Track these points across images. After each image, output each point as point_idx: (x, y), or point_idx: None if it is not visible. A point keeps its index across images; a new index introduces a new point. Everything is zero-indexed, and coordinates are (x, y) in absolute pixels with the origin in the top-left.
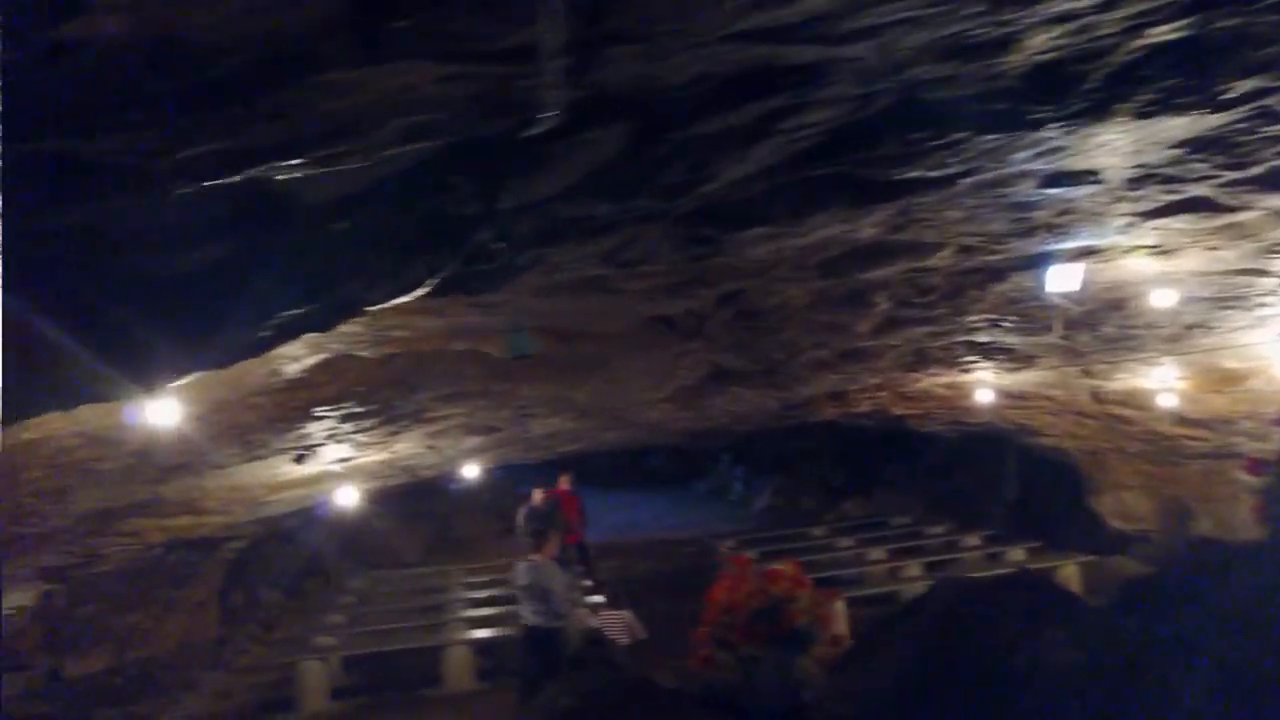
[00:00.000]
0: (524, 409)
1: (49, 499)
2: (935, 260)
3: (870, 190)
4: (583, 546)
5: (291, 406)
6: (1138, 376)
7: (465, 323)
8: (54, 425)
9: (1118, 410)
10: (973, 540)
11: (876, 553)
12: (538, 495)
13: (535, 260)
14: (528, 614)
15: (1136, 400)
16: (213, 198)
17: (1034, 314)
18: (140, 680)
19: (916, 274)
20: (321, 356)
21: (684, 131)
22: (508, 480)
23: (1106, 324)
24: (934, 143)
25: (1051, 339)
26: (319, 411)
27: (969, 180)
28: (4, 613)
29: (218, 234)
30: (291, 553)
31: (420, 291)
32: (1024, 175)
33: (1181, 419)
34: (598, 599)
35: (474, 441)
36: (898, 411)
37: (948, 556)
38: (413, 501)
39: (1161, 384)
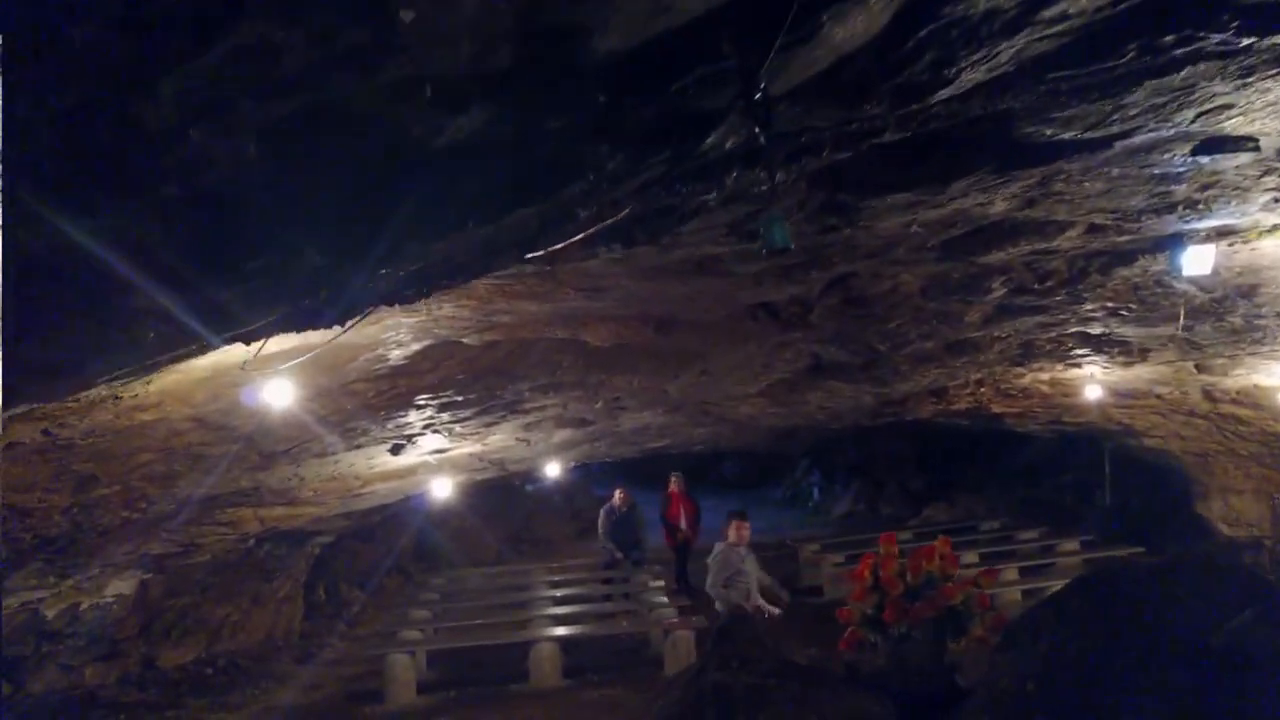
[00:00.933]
0: (617, 401)
1: (158, 483)
2: (1060, 241)
3: (1021, 153)
4: (686, 548)
5: (392, 395)
6: (1257, 372)
7: (569, 308)
8: (168, 407)
9: (1231, 409)
10: (1069, 545)
11: (969, 557)
12: (618, 496)
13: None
14: (719, 596)
15: (1253, 398)
16: None
17: (1156, 302)
18: (229, 671)
19: (1038, 257)
20: (425, 343)
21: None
22: (584, 483)
23: (1233, 313)
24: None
25: (1171, 330)
26: (419, 400)
27: (1123, 144)
28: (105, 600)
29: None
30: (372, 551)
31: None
32: (1181, 138)
33: None
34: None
35: (565, 435)
36: (996, 409)
37: (1043, 561)
38: (491, 503)
39: None
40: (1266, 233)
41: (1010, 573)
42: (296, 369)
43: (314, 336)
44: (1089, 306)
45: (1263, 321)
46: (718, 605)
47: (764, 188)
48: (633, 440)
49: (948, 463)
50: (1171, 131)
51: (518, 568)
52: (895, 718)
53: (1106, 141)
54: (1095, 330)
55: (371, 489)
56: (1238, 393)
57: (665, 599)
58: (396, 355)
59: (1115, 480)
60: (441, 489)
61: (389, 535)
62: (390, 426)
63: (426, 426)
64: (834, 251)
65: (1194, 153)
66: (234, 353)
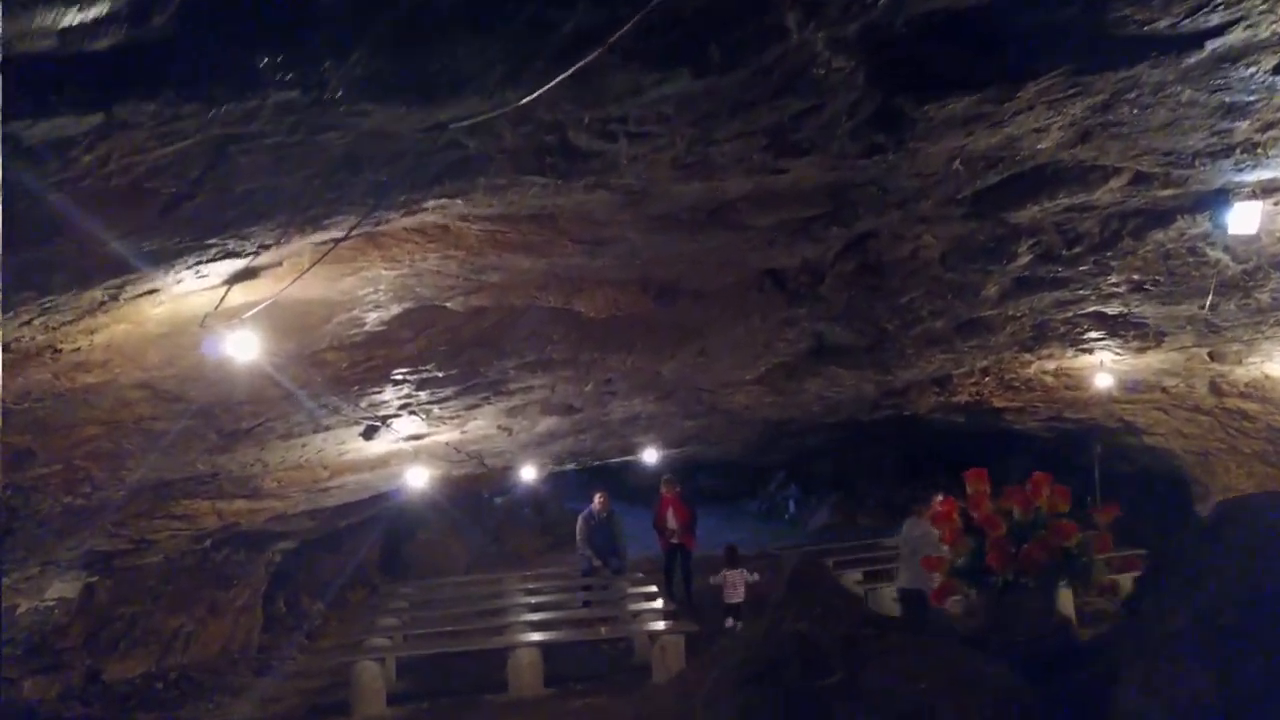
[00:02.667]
0: (608, 384)
1: (104, 463)
2: (1101, 193)
3: (1102, 52)
4: (687, 553)
5: (368, 367)
6: (1271, 360)
7: (565, 266)
8: (116, 368)
9: (1237, 404)
10: None
11: None
12: (597, 501)
13: None
14: (901, 575)
15: (1262, 391)
16: None
17: (1186, 274)
18: (181, 685)
19: (1072, 216)
20: (406, 306)
21: None
22: (555, 495)
23: (1262, 289)
24: None
25: (1193, 309)
26: (397, 374)
27: (1213, 45)
28: (45, 604)
29: None
30: (335, 562)
31: None
32: (1272, 46)
33: None
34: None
35: (549, 423)
36: (998, 403)
37: None
38: (458, 515)
39: None
40: None
41: None
42: (263, 331)
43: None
44: (1113, 280)
45: None
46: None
47: (820, 72)
48: (619, 433)
49: (928, 476)
50: (1266, 33)
51: (490, 577)
52: (1013, 678)
53: (1197, 39)
54: (1113, 310)
55: (340, 481)
56: (1247, 385)
57: (649, 605)
58: (374, 319)
59: (1106, 486)
60: (417, 479)
61: (353, 546)
62: (364, 405)
63: (403, 407)
64: (862, 196)
65: (1276, 70)
66: (192, 303)
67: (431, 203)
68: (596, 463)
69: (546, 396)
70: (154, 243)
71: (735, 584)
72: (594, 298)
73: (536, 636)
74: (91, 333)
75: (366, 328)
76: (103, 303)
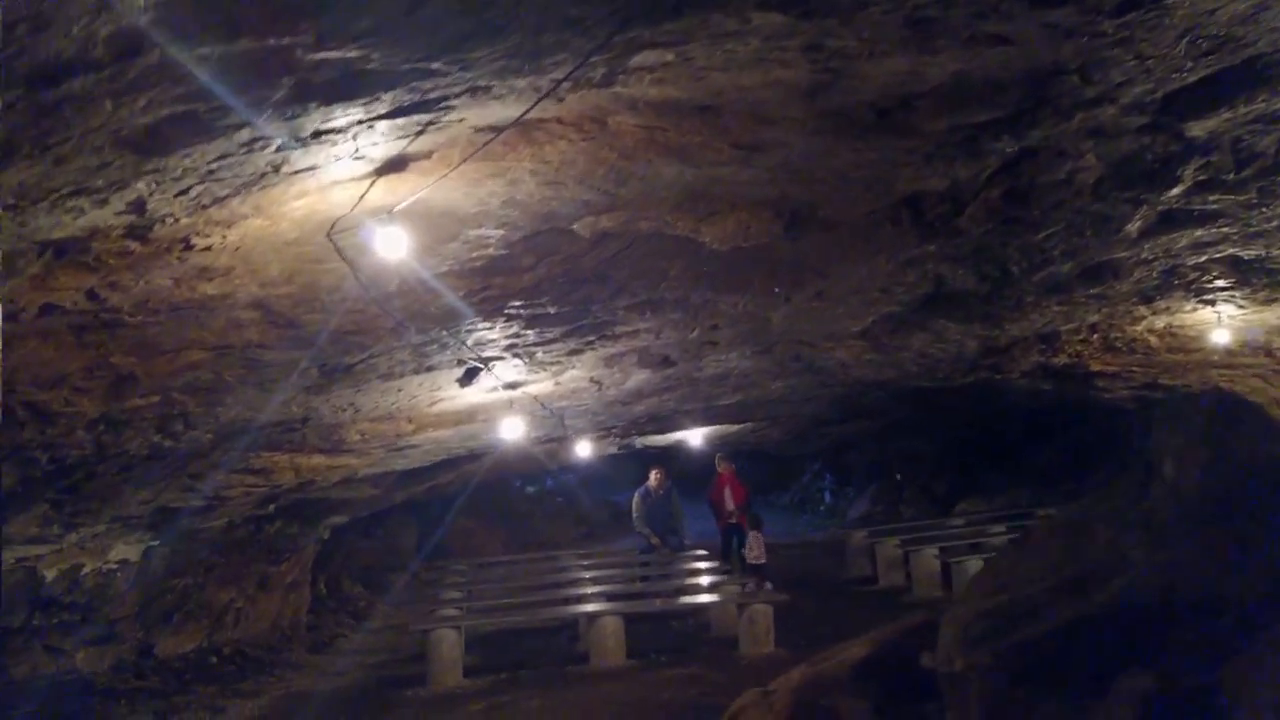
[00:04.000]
0: (714, 330)
1: (202, 398)
2: None
3: None
4: (743, 533)
5: (484, 296)
6: None
7: (712, 176)
8: (236, 279)
9: None
10: None
11: None
12: (654, 477)
13: None
14: None
15: None
16: None
17: None
18: (236, 660)
19: (1256, 129)
20: (535, 227)
21: None
22: (584, 485)
23: None
24: None
25: None
26: (511, 307)
27: None
28: (109, 566)
29: None
30: (371, 548)
31: None
32: None
33: None
34: None
35: (641, 378)
36: (1095, 366)
37: None
38: (489, 504)
39: None
40: None
41: None
42: (385, 248)
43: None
44: (1267, 213)
45: None
46: None
47: None
48: (706, 395)
49: (968, 463)
50: None
51: (546, 554)
52: None
53: None
54: (1252, 253)
55: (421, 438)
56: None
57: (726, 576)
58: (499, 240)
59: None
60: (513, 430)
61: (389, 533)
62: (470, 343)
63: (509, 348)
64: (1057, 91)
65: None
66: (330, 202)
67: (639, 59)
68: (643, 444)
69: (647, 345)
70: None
71: (754, 547)
72: (724, 224)
73: (620, 606)
74: (229, 226)
75: (490, 250)
76: (264, 174)
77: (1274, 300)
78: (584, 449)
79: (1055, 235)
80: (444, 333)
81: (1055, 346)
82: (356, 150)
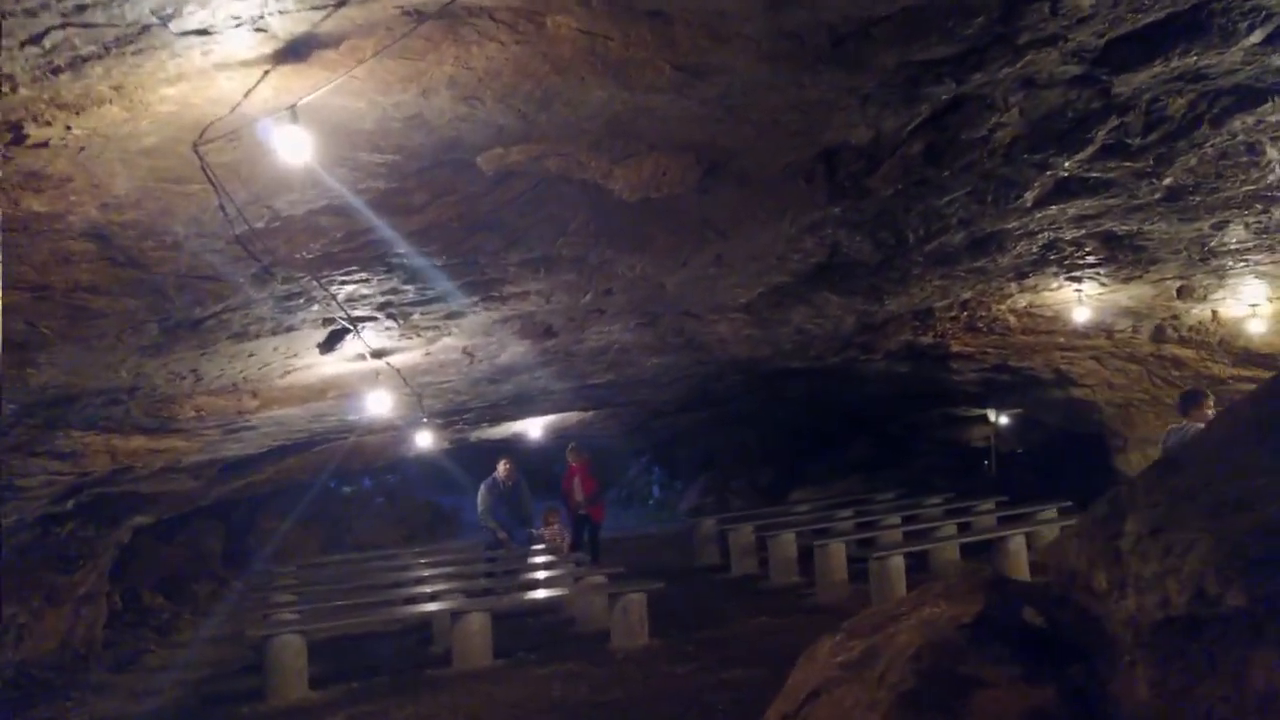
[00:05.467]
0: (605, 296)
1: (7, 357)
2: (1231, 53)
3: None
4: (594, 524)
5: (366, 241)
6: (1235, 296)
7: (643, 105)
8: (74, 193)
9: (1174, 350)
10: (986, 505)
11: (890, 519)
12: (502, 468)
13: None
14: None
15: (1203, 335)
16: None
17: (1232, 176)
18: (22, 685)
19: (1175, 88)
20: (439, 157)
21: None
22: (405, 485)
23: None
24: None
25: (1201, 228)
26: (394, 255)
27: None
28: None
29: None
30: (173, 555)
31: None
32: None
33: (1246, 357)
34: None
35: (516, 351)
36: (955, 348)
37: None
38: (303, 506)
39: (1250, 309)
40: None
41: (949, 528)
42: (252, 160)
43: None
44: (1156, 184)
45: None
46: None
47: None
48: (579, 372)
49: (795, 456)
50: None
51: (383, 553)
52: None
53: None
54: (1126, 228)
55: (264, 416)
56: (1190, 329)
57: (585, 568)
58: (391, 169)
59: (1040, 438)
60: (369, 409)
61: (192, 537)
62: (341, 297)
63: (383, 306)
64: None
65: None
66: (207, 96)
67: None
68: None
69: (534, 311)
70: None
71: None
72: (640, 168)
73: (487, 602)
74: (78, 111)
75: (381, 182)
76: (145, 29)
77: (1133, 279)
78: (424, 440)
79: (958, 200)
80: (314, 283)
81: (927, 324)
82: (263, 15)
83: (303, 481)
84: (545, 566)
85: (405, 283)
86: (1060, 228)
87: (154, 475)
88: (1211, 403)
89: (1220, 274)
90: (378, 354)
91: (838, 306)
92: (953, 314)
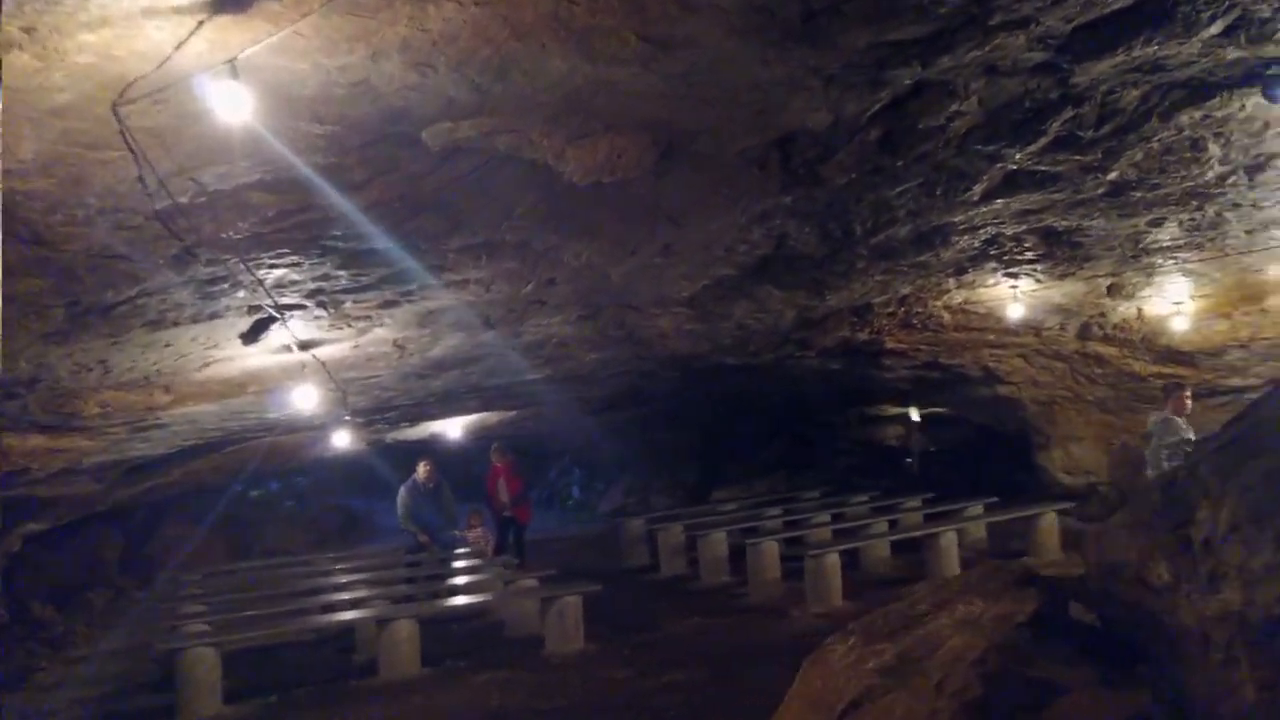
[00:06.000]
0: (548, 286)
1: None
2: (1190, 43)
3: None
4: (520, 526)
5: (299, 221)
6: (1161, 294)
7: (604, 79)
8: None
9: (1097, 348)
10: (913, 503)
11: (820, 517)
12: (422, 470)
13: None
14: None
15: (1126, 332)
16: None
17: (1174, 171)
18: None
19: (1131, 79)
20: (382, 130)
21: None
22: (316, 489)
23: (1219, 199)
24: None
25: (1137, 225)
26: (329, 238)
27: None
28: None
29: None
30: (63, 565)
31: None
32: None
33: (1166, 354)
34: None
35: (449, 345)
36: (890, 344)
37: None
38: (209, 508)
39: (1175, 307)
40: None
41: (880, 525)
42: (179, 126)
43: None
44: (1102, 178)
45: (1229, 216)
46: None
47: None
48: (513, 368)
49: (716, 457)
50: None
51: (297, 559)
52: None
53: None
54: (1068, 223)
55: (177, 413)
56: (1115, 326)
57: (515, 570)
58: (331, 142)
59: (965, 436)
60: (291, 405)
61: (86, 545)
62: (269, 283)
63: (314, 294)
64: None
65: None
66: (135, 48)
67: None
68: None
69: (472, 301)
70: None
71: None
72: (595, 149)
73: (416, 609)
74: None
75: (319, 156)
76: None
77: (1068, 275)
78: (342, 440)
79: (909, 192)
80: (241, 266)
81: (865, 320)
82: None
83: (210, 485)
84: (472, 570)
85: (339, 267)
86: (1003, 222)
87: (52, 478)
88: (1189, 393)
89: (1149, 271)
90: (305, 345)
91: (779, 301)
92: (890, 310)
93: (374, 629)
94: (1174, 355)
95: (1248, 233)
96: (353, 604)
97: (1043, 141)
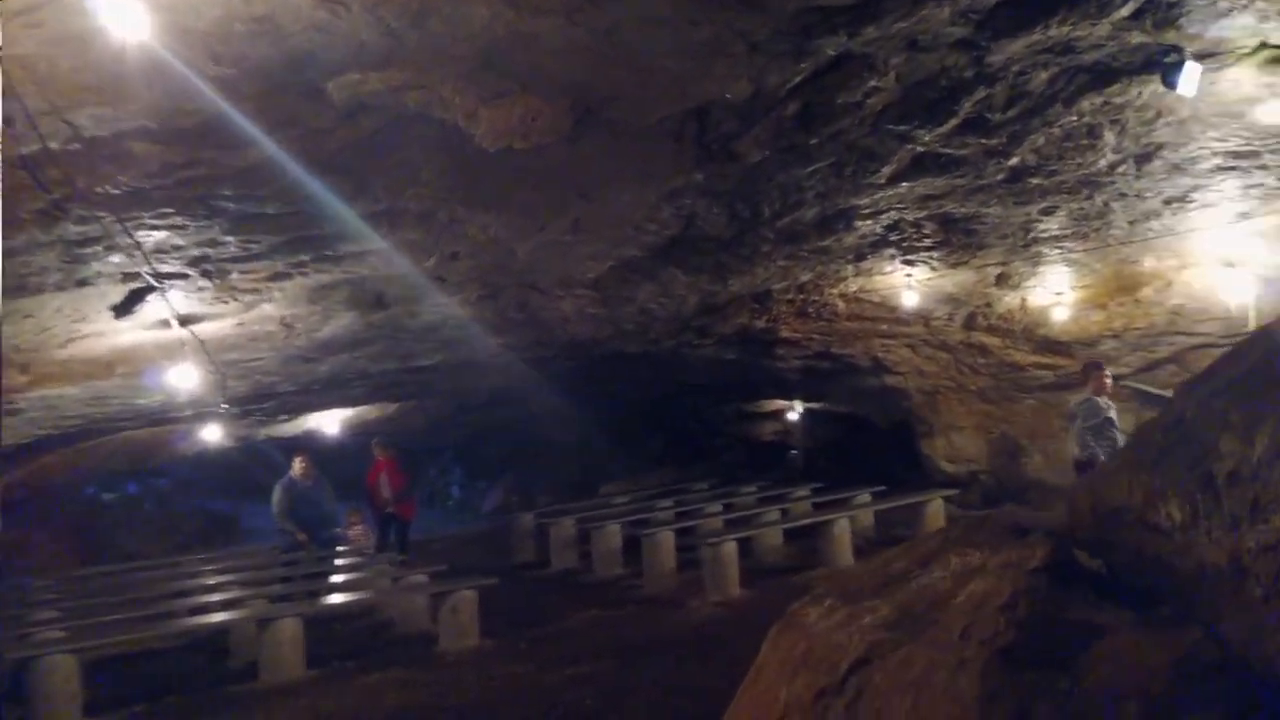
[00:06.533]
0: (451, 260)
1: None
2: (1101, 24)
3: None
4: (403, 523)
5: (186, 178)
6: (1045, 284)
7: (526, 31)
8: None
9: (981, 339)
10: (802, 492)
11: (712, 507)
12: (298, 466)
13: None
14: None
15: (1010, 322)
16: None
17: (1071, 158)
18: None
19: (1042, 60)
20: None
21: None
22: (177, 493)
23: (1109, 188)
24: None
25: (1029, 214)
26: (220, 198)
27: None
28: None
29: None
30: None
31: None
32: None
33: (1045, 344)
34: None
35: (341, 324)
36: (784, 333)
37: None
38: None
39: (1056, 298)
40: (1245, 55)
41: (772, 514)
42: (56, 55)
43: None
44: (1004, 163)
45: (1115, 205)
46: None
47: None
48: (406, 352)
49: (600, 453)
50: None
51: (163, 560)
52: None
53: None
54: (967, 209)
55: (34, 396)
56: (999, 316)
57: (401, 567)
58: (221, 85)
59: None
60: (164, 389)
61: None
62: (148, 247)
63: (198, 261)
64: None
65: None
66: None
67: None
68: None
69: (368, 276)
70: None
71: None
72: (510, 110)
73: (300, 608)
74: None
75: (207, 104)
76: None
77: (961, 264)
78: (213, 434)
79: (820, 172)
80: (119, 226)
81: (764, 307)
82: None
83: (59, 483)
84: (356, 566)
85: (228, 233)
86: (906, 207)
87: None
88: (1109, 372)
89: (1036, 261)
90: (185, 321)
91: (684, 285)
92: (789, 297)
93: (253, 630)
94: (1052, 345)
95: (1130, 223)
96: (227, 605)
97: (952, 123)
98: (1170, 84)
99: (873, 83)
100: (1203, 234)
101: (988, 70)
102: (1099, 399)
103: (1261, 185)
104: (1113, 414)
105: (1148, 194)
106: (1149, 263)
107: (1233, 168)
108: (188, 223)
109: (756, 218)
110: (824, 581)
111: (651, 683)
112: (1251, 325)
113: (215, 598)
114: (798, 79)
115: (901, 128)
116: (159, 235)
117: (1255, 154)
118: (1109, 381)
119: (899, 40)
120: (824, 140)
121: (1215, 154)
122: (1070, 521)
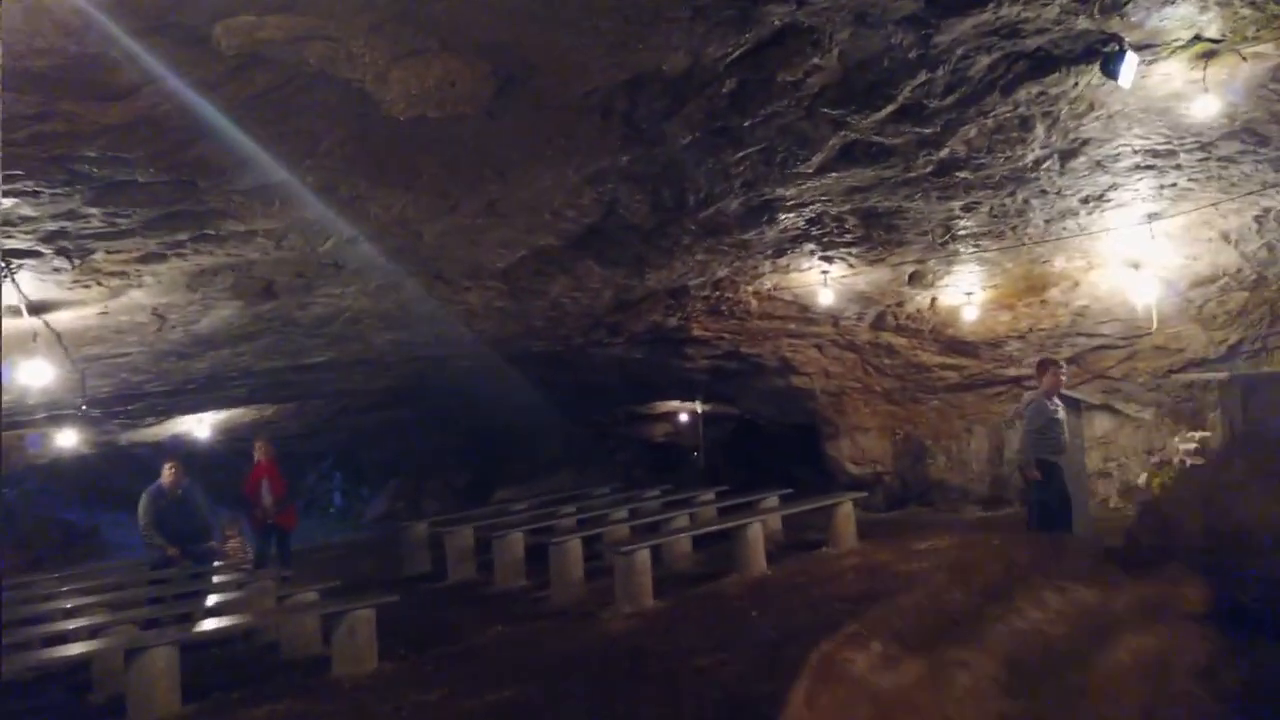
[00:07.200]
0: (349, 245)
1: None
2: (1047, 8)
3: None
4: (284, 533)
5: (43, 134)
6: (955, 284)
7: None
8: None
9: (889, 339)
10: (707, 496)
11: (618, 514)
12: (167, 474)
13: None
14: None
15: (918, 323)
16: None
17: (1000, 151)
18: None
19: (985, 44)
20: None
21: None
22: (27, 505)
23: (1031, 185)
24: None
25: (950, 210)
26: (83, 158)
27: None
28: None
29: None
30: None
31: None
32: None
33: (951, 344)
34: None
35: (222, 316)
36: (695, 332)
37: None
38: None
39: (966, 298)
40: (1179, 48)
41: (682, 520)
42: None
43: None
44: (933, 156)
45: (1035, 203)
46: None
47: None
48: (294, 349)
49: (490, 458)
50: None
51: (8, 582)
52: None
53: None
54: (890, 203)
55: None
56: (908, 316)
57: (288, 585)
58: (90, 24)
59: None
60: (31, 380)
61: None
62: None
63: (52, 238)
64: None
65: None
66: None
67: None
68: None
69: (255, 261)
70: None
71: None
72: (425, 71)
73: (170, 634)
74: None
75: (71, 43)
76: None
77: (878, 261)
78: (68, 439)
79: (749, 158)
80: None
81: (679, 303)
82: None
83: None
84: (235, 585)
85: (90, 204)
86: (830, 200)
87: None
88: (1063, 369)
89: (951, 260)
90: (36, 309)
91: (599, 279)
92: (705, 294)
93: (119, 661)
94: (958, 346)
95: (1046, 222)
96: (89, 632)
97: (889, 109)
98: (1112, 73)
99: (815, 60)
100: (1113, 235)
101: (932, 52)
102: (1048, 401)
103: (1175, 185)
104: (1060, 414)
105: (1068, 191)
106: (1059, 263)
107: (1150, 166)
108: (41, 190)
109: (680, 207)
110: (852, 619)
111: (586, 709)
112: (1155, 326)
113: (74, 624)
114: (738, 52)
115: (838, 111)
116: (4, 204)
117: (1173, 153)
118: (1064, 379)
119: (848, 14)
120: (757, 123)
121: (1136, 151)
122: (1159, 541)
